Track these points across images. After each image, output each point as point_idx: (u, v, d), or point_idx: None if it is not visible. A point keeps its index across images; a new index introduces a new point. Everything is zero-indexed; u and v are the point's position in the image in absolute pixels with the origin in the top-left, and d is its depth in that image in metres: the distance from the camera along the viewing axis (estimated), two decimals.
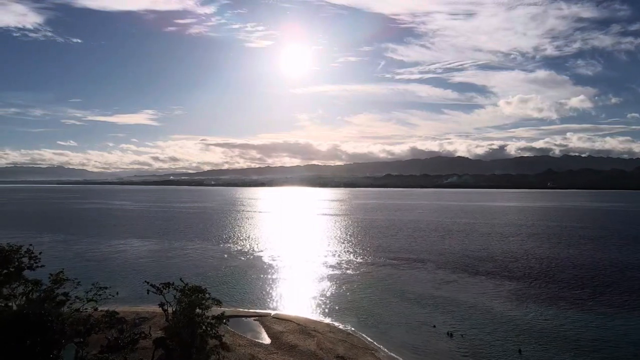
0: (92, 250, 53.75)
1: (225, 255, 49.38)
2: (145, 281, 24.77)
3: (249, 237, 64.41)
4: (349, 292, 34.01)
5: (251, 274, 40.11)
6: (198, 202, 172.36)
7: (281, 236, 66.03)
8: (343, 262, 46.11)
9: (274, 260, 46.94)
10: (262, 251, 52.54)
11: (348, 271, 41.72)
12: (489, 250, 53.26)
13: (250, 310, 30.88)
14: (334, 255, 50.36)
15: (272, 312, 30.41)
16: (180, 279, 24.69)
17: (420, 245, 56.85)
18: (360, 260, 46.49)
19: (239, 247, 54.55)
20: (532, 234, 69.76)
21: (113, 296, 21.50)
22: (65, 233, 70.72)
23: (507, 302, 32.10)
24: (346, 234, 68.56)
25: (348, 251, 52.63)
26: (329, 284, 36.89)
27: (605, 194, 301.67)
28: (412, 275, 39.97)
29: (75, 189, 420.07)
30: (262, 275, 39.45)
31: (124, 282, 37.22)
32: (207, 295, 25.18)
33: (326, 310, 30.34)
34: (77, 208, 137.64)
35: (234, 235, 65.90)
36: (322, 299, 32.73)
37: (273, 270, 41.94)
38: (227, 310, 31.18)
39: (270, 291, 34.50)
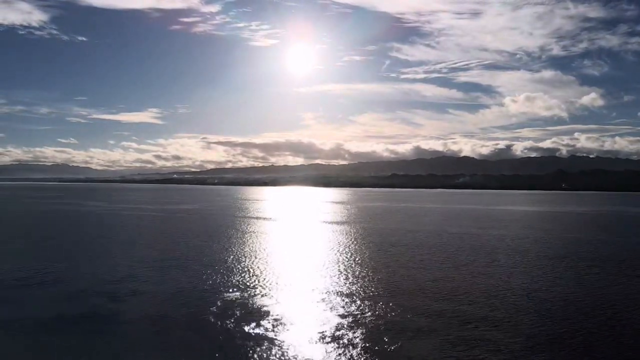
0: None
1: (163, 309, 28.29)
2: None
3: (220, 261, 45.30)
4: None
5: (200, 351, 21.31)
6: (188, 204, 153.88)
7: (268, 260, 47.09)
8: (354, 321, 27.05)
9: (243, 313, 28.04)
10: (231, 292, 31.86)
11: (365, 350, 22.64)
12: (570, 289, 34.20)
13: None
14: (337, 303, 31.35)
15: None
16: None
17: (466, 282, 37.08)
18: (381, 321, 27.46)
19: (198, 284, 35.56)
20: (604, 257, 50.45)
21: None
22: None
23: None
24: (355, 259, 48.95)
25: (360, 295, 33.58)
26: None
27: (628, 197, 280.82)
28: None
29: (67, 187, 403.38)
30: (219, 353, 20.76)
31: None
32: None
33: None
34: (40, 210, 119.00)
35: (200, 259, 46.89)
36: None
37: (239, 341, 23.32)
38: None
39: None
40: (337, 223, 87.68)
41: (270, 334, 24.10)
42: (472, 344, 23.01)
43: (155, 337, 23.65)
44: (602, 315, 27.84)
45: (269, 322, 25.96)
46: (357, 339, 23.56)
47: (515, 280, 36.91)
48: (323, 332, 24.50)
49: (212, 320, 26.40)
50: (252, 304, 29.66)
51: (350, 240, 61.58)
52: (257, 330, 24.64)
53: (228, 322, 26.07)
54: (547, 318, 27.20)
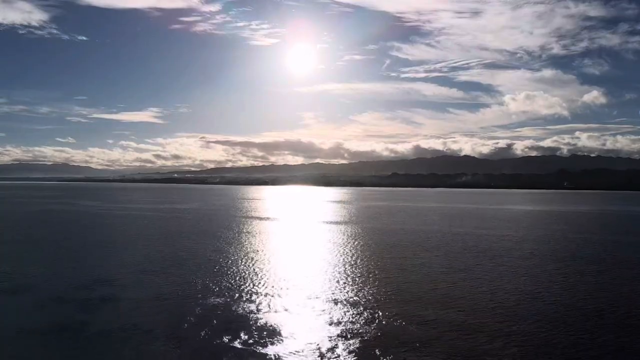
0: None
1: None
2: None
3: (209, 265, 42.72)
4: None
5: None
6: (186, 204, 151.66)
7: (262, 264, 41.45)
8: (347, 331, 22.63)
9: (230, 322, 24.82)
10: (217, 299, 29.21)
11: None
12: (582, 296, 31.20)
13: None
14: (331, 311, 28.44)
15: None
16: None
17: (470, 287, 32.37)
18: (377, 331, 24.07)
19: (182, 290, 33.07)
20: (615, 260, 47.55)
21: None
22: None
23: None
24: (353, 262, 42.89)
25: (356, 302, 30.29)
26: None
27: (631, 196, 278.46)
28: None
29: (66, 187, 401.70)
30: None
31: None
32: None
33: None
34: (30, 210, 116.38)
35: (187, 262, 44.34)
36: None
37: (223, 354, 20.97)
38: None
39: None
40: (337, 223, 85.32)
41: (257, 346, 21.81)
42: (475, 358, 20.70)
43: (130, 351, 21.35)
44: (617, 325, 25.48)
45: (257, 333, 23.67)
46: (350, 352, 21.24)
47: (522, 286, 34.52)
48: (313, 343, 22.20)
49: (195, 331, 24.10)
50: (240, 313, 27.35)
51: (349, 241, 59.22)
52: (242, 343, 22.34)
53: (212, 333, 23.77)
54: (557, 328, 24.83)
